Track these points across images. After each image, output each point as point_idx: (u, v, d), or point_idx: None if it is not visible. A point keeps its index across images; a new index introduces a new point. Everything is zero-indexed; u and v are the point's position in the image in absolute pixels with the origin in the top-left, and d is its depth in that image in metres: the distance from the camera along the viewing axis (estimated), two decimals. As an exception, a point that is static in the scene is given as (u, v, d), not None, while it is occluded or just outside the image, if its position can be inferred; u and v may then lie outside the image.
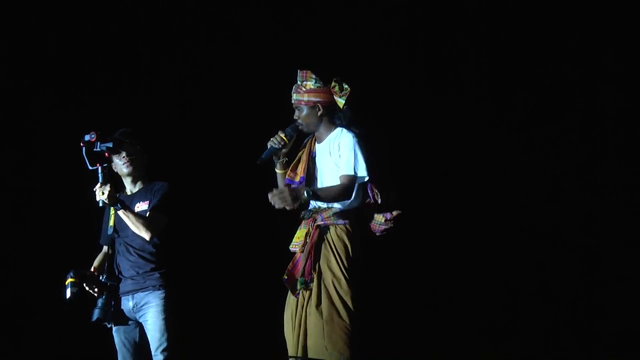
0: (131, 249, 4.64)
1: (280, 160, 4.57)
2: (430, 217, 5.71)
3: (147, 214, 4.61)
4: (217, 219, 5.82)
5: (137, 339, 4.67)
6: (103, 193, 4.47)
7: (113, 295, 4.62)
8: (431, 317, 5.81)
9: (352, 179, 4.39)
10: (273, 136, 4.50)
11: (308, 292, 4.40)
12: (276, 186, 4.56)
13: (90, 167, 4.54)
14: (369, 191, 4.46)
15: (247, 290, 5.73)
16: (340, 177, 4.41)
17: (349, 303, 4.34)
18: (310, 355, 4.34)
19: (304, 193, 4.25)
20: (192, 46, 6.05)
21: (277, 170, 4.61)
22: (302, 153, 4.61)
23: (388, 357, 5.32)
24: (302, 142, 4.64)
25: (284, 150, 4.54)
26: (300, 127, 4.54)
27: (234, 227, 5.73)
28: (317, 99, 4.49)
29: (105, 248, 4.77)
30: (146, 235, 4.55)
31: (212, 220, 5.82)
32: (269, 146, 4.50)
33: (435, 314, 5.82)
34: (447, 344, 5.75)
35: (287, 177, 4.57)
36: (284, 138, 4.49)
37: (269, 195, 4.22)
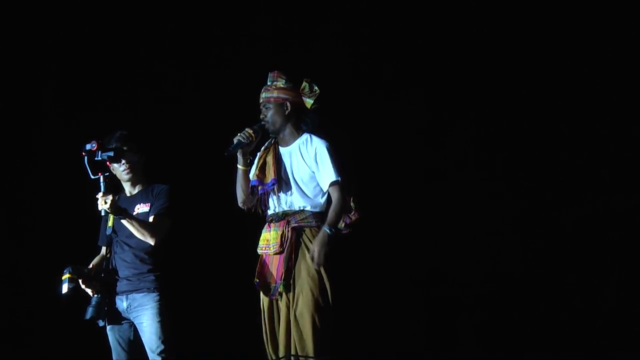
0: (128, 250, 4.68)
1: (245, 157, 4.59)
2: (390, 221, 5.79)
3: (152, 219, 4.66)
4: (211, 221, 5.85)
5: (131, 338, 4.71)
6: (105, 202, 4.51)
7: (108, 294, 4.65)
8: (403, 311, 5.91)
9: (340, 185, 4.49)
10: (241, 132, 4.56)
11: (292, 293, 4.45)
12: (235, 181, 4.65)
13: (92, 176, 4.59)
14: None
15: (244, 292, 5.75)
16: (330, 189, 4.50)
17: (326, 301, 4.41)
18: (294, 352, 4.41)
19: (327, 235, 4.38)
20: (192, 46, 6.08)
21: (239, 167, 4.63)
22: (267, 156, 4.66)
23: (365, 351, 5.41)
24: (260, 146, 4.69)
25: (249, 148, 4.57)
26: (266, 125, 4.60)
27: (229, 230, 5.69)
28: (286, 97, 4.59)
29: (103, 249, 4.79)
30: (151, 241, 4.61)
31: (207, 223, 5.86)
32: (235, 141, 4.55)
33: (408, 308, 5.93)
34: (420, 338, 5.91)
35: (255, 178, 4.62)
36: (252, 134, 4.54)
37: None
